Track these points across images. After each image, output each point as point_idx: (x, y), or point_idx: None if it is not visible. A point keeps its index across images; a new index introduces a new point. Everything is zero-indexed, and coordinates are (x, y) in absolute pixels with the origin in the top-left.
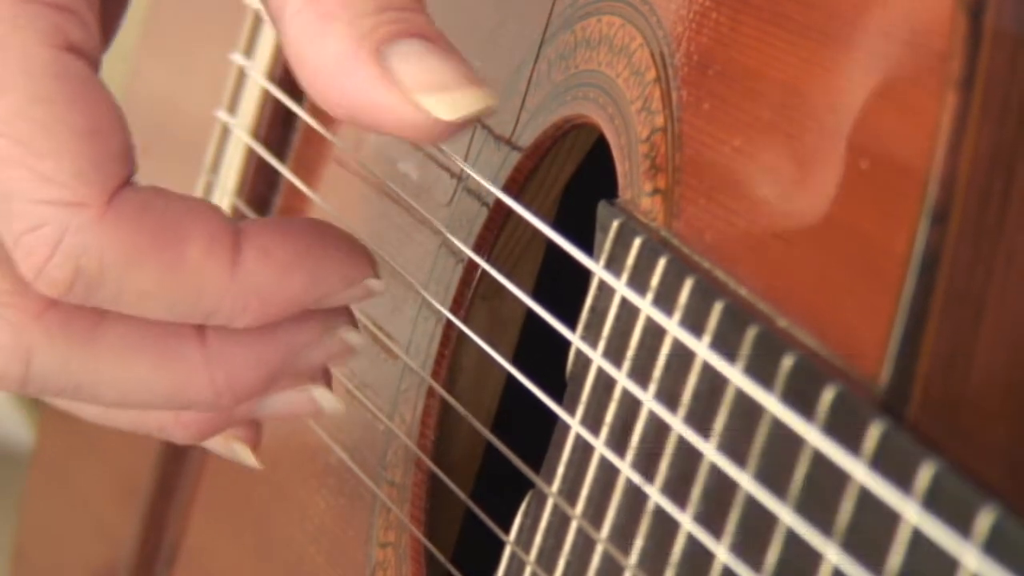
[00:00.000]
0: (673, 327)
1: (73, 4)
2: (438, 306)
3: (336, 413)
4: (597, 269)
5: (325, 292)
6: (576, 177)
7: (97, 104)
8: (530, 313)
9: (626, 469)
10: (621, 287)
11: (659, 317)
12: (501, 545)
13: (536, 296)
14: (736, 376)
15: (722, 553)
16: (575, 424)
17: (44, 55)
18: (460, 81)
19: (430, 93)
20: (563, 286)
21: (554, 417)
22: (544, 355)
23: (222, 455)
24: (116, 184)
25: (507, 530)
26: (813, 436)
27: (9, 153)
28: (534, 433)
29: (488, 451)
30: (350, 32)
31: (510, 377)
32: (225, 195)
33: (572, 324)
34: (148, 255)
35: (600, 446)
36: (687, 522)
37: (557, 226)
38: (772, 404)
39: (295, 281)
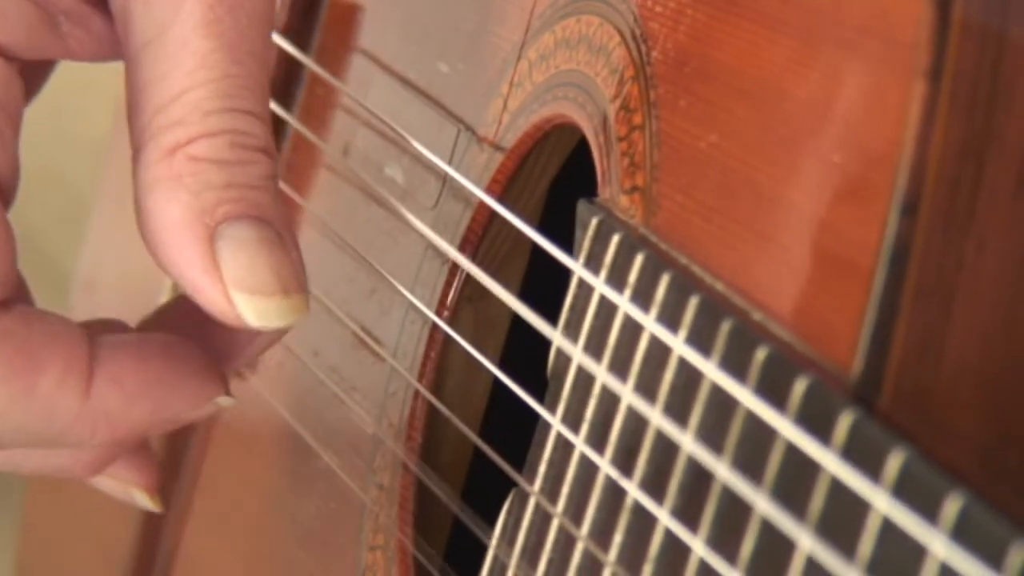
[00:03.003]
0: (650, 323)
1: None
2: (424, 309)
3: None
4: (575, 267)
5: (172, 416)
6: (562, 176)
7: None
8: (517, 314)
9: (605, 466)
10: (600, 284)
11: (636, 313)
12: (487, 545)
13: (523, 297)
14: (711, 370)
15: (699, 546)
16: (555, 421)
17: None
18: (276, 288)
19: (244, 293)
20: (550, 287)
21: (540, 416)
22: (531, 356)
23: (122, 500)
24: None
25: (493, 530)
26: (785, 427)
27: None
28: (522, 434)
29: (477, 452)
30: (192, 204)
31: (498, 378)
32: None
33: (557, 324)
34: (1, 381)
35: (580, 443)
36: (664, 517)
37: (543, 226)
38: (745, 396)
39: (142, 408)
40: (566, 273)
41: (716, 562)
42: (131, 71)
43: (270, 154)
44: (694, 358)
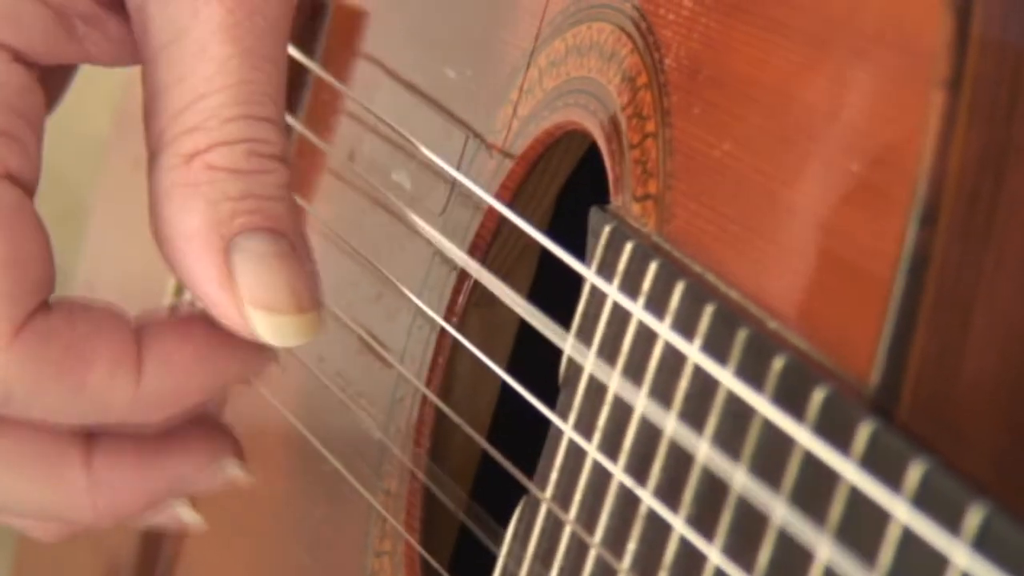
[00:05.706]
0: (664, 331)
1: (17, 130)
2: (432, 314)
3: (197, 527)
4: (588, 274)
5: (225, 383)
6: (571, 183)
7: (24, 234)
8: (525, 321)
9: (619, 473)
10: (613, 292)
11: (650, 321)
12: (497, 553)
13: (531, 303)
14: (727, 378)
15: (714, 555)
16: (567, 429)
17: None
18: (291, 306)
19: (260, 310)
20: (558, 293)
21: (549, 423)
22: (540, 361)
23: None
24: (27, 313)
25: (502, 537)
26: (803, 437)
27: None
28: (531, 440)
29: (485, 459)
30: (209, 214)
31: (506, 384)
32: None
33: (566, 330)
34: (52, 381)
35: (592, 450)
36: (679, 525)
37: (551, 233)
38: (763, 405)
39: (196, 382)
40: (574, 281)
41: (732, 571)
42: (148, 73)
43: (285, 162)
44: (710, 367)
